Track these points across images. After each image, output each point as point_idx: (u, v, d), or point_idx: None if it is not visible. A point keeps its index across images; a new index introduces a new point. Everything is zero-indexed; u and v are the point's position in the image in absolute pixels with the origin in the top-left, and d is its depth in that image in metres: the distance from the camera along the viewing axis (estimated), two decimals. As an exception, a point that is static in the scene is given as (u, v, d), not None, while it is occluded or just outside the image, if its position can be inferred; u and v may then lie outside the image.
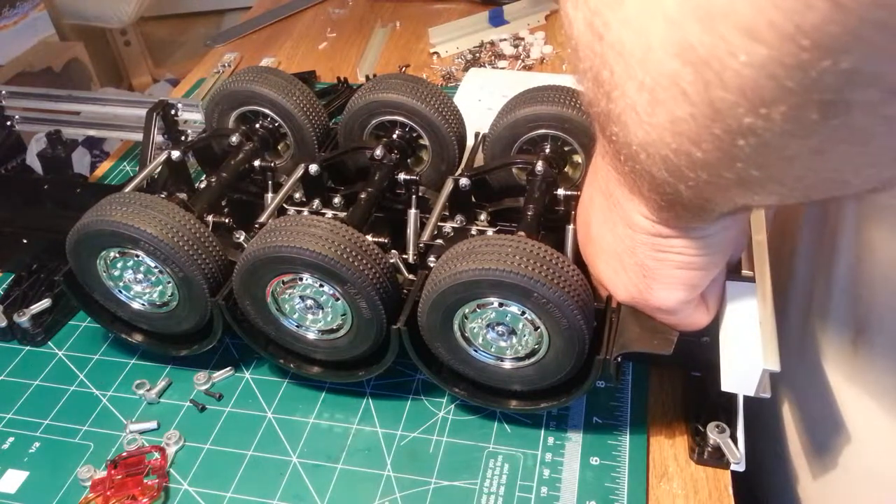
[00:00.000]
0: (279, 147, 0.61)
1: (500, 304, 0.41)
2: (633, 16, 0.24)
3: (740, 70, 0.21)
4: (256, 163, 0.57)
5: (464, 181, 0.51)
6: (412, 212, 0.52)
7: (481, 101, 0.77)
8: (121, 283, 0.49)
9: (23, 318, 0.55)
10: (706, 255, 0.35)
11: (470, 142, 0.60)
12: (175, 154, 0.56)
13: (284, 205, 0.53)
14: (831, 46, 0.19)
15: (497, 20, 0.97)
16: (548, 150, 0.54)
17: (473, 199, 0.52)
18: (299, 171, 0.54)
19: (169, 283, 0.47)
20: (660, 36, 0.23)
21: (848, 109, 0.21)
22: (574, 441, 0.46)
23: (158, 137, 0.67)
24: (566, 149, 0.54)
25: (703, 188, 0.28)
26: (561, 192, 0.51)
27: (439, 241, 0.49)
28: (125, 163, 0.77)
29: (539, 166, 0.51)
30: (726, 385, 0.41)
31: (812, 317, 0.48)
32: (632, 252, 0.37)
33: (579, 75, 0.30)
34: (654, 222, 0.34)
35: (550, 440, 0.47)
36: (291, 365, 0.49)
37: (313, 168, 0.53)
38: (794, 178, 0.26)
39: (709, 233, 0.34)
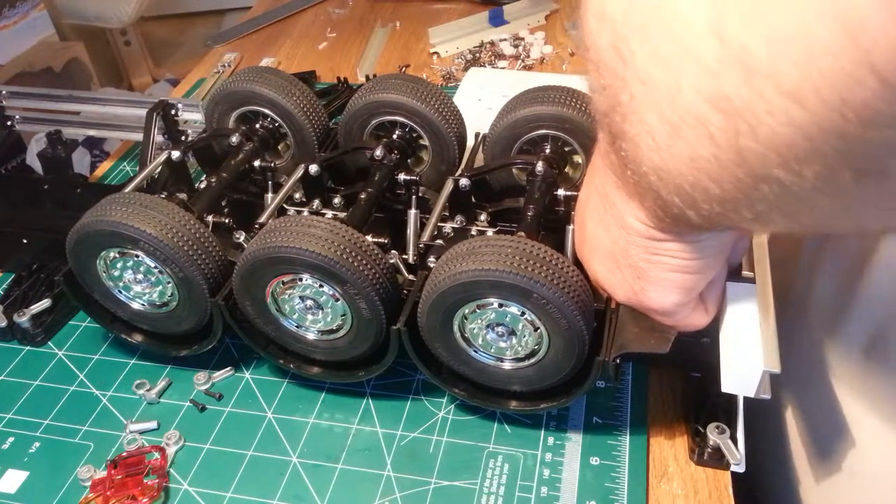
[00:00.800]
0: (279, 147, 0.61)
1: (500, 305, 0.41)
2: (663, 52, 0.24)
3: (776, 128, 0.21)
4: (256, 163, 0.57)
5: (464, 181, 0.51)
6: (412, 212, 0.52)
7: (481, 101, 0.77)
8: (121, 284, 0.49)
9: (23, 318, 0.55)
10: (700, 259, 0.35)
11: (470, 142, 0.60)
12: (175, 154, 0.56)
13: (284, 205, 0.53)
14: (877, 121, 0.19)
15: (497, 20, 0.97)
16: (548, 151, 0.54)
17: (473, 200, 0.52)
18: (299, 172, 0.54)
19: (169, 283, 0.47)
20: (692, 79, 0.23)
21: (885, 176, 0.21)
22: (574, 441, 0.46)
23: (158, 137, 0.67)
24: (566, 149, 0.54)
25: (715, 218, 0.28)
26: (561, 192, 0.51)
27: (439, 241, 0.49)
28: (125, 163, 0.77)
29: (539, 167, 0.51)
30: (726, 386, 0.41)
31: (817, 320, 0.48)
32: (625, 253, 0.37)
33: (595, 88, 0.29)
34: (647, 226, 0.34)
35: (550, 440, 0.47)
36: (291, 365, 0.49)
37: (313, 168, 0.53)
38: (815, 223, 0.25)
39: (703, 237, 0.34)
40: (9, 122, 0.73)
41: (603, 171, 0.36)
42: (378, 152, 0.53)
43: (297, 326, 0.47)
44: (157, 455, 0.46)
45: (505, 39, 0.94)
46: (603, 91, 0.28)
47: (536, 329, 0.41)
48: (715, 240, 0.35)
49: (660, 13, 0.23)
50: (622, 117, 0.27)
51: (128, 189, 0.52)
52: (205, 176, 0.56)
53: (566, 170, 0.55)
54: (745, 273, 0.43)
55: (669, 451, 0.46)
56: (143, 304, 0.50)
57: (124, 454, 0.46)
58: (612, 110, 0.28)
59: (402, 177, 0.53)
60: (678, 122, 0.24)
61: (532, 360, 0.43)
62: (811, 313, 0.49)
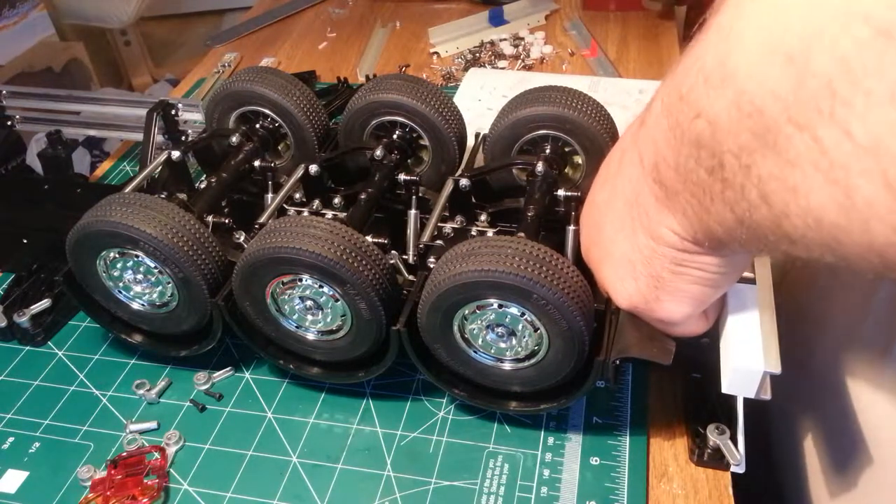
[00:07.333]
0: (279, 147, 0.61)
1: (500, 306, 0.41)
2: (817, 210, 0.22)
3: None
4: (256, 163, 0.57)
5: (464, 182, 0.51)
6: (412, 212, 0.52)
7: (481, 101, 0.77)
8: (120, 284, 0.49)
9: (23, 318, 0.55)
10: (725, 273, 0.35)
11: (470, 142, 0.60)
12: (175, 154, 0.56)
13: (284, 205, 0.53)
14: None
15: (497, 20, 0.97)
16: (548, 151, 0.54)
17: (473, 200, 0.52)
18: (299, 172, 0.54)
19: (168, 283, 0.47)
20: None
21: None
22: (574, 441, 0.46)
23: (158, 137, 0.67)
24: (566, 150, 0.54)
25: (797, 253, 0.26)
26: (561, 192, 0.51)
27: (439, 241, 0.49)
28: (125, 163, 0.77)
29: (539, 167, 0.51)
30: (727, 387, 0.41)
31: (833, 323, 0.48)
32: (648, 262, 0.36)
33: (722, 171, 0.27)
34: (682, 239, 0.33)
35: (550, 440, 0.47)
36: (291, 366, 0.49)
37: (313, 168, 0.53)
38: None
39: (736, 253, 0.33)
40: (9, 122, 0.73)
41: (638, 180, 0.34)
42: (378, 152, 0.53)
43: (296, 327, 0.47)
44: (157, 455, 0.46)
45: (505, 39, 0.94)
46: (737, 179, 0.26)
47: (536, 330, 0.41)
48: (745, 255, 0.34)
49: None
50: (761, 198, 0.25)
51: (128, 189, 0.52)
52: (205, 176, 0.56)
53: (566, 170, 0.55)
54: (746, 273, 0.43)
55: (669, 451, 0.46)
56: (142, 305, 0.50)
57: (124, 454, 0.46)
58: (743, 174, 0.26)
59: (402, 177, 0.53)
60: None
61: (532, 361, 0.43)
62: (828, 319, 0.49)
